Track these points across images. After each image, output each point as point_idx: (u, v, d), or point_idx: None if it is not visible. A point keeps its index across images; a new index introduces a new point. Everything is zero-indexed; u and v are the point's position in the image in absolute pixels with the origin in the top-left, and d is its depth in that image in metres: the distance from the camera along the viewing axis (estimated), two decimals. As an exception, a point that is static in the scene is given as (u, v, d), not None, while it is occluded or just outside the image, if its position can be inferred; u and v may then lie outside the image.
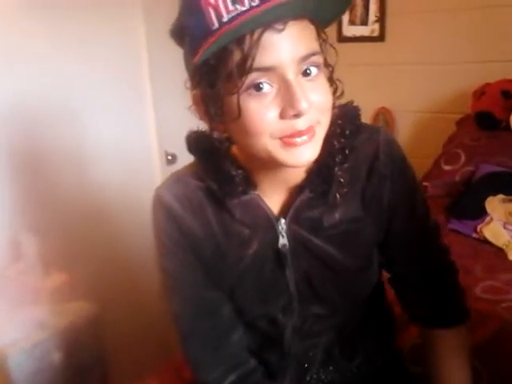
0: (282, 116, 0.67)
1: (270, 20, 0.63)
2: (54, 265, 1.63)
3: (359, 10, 2.55)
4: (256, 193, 0.81)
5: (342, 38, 2.61)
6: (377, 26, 2.52)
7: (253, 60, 0.64)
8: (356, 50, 2.55)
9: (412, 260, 0.90)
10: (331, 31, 2.58)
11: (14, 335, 1.49)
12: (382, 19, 2.51)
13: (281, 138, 0.69)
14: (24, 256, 1.59)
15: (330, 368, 0.95)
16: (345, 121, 0.81)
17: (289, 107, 0.66)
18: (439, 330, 0.93)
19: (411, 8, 2.42)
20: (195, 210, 0.83)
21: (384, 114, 2.58)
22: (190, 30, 0.68)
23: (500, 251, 1.66)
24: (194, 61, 0.67)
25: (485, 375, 1.19)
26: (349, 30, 2.60)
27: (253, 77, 0.65)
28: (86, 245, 1.75)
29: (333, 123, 0.76)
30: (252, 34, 0.63)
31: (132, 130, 2.04)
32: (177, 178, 0.87)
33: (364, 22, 2.56)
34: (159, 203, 0.84)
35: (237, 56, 0.64)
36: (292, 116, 0.67)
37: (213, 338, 0.89)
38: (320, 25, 0.72)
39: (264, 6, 0.61)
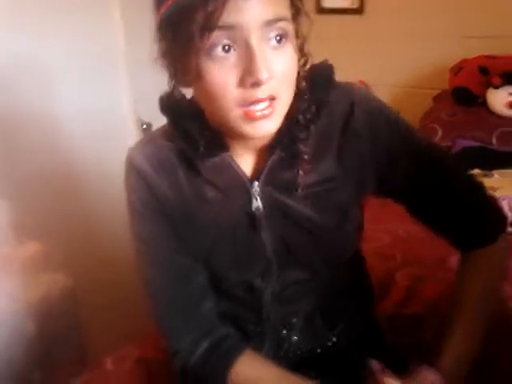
0: (241, 84, 0.65)
1: None
2: (26, 234, 1.59)
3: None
4: (227, 154, 0.79)
5: (321, 10, 2.58)
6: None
7: (216, 19, 0.61)
8: (335, 22, 2.53)
9: (432, 195, 0.84)
10: (310, 2, 2.55)
11: (-15, 306, 1.47)
12: (361, -8, 2.48)
13: (242, 107, 0.67)
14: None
15: (310, 336, 0.95)
16: (316, 77, 0.78)
17: (248, 75, 0.64)
18: (478, 250, 0.86)
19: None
20: (166, 172, 0.81)
21: (361, 88, 2.56)
22: None
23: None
24: (158, 15, 0.66)
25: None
26: (328, 2, 2.57)
27: (215, 36, 0.63)
28: (60, 214, 1.71)
29: (304, 79, 0.75)
30: None
31: (105, 98, 1.97)
32: (149, 140, 0.85)
33: (343, -4, 2.53)
34: (130, 165, 0.82)
35: (200, 14, 0.62)
36: (251, 84, 0.65)
37: (185, 306, 0.87)
38: None
39: None
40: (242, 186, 0.81)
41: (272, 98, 0.67)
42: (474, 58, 2.12)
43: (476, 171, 1.82)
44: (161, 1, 0.66)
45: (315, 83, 0.78)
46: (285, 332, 0.94)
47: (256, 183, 0.81)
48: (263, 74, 0.63)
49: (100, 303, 1.75)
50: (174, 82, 0.75)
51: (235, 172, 0.80)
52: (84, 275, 1.71)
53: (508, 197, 1.70)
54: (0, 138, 1.59)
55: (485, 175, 1.80)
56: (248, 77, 0.64)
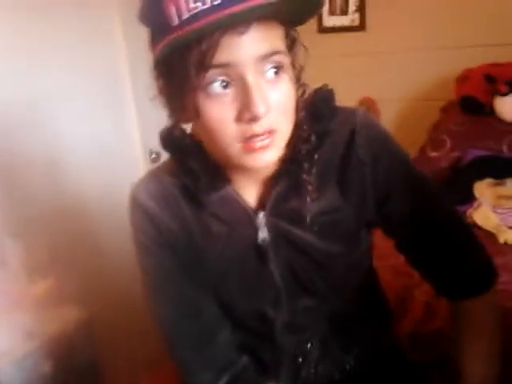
0: (239, 119, 0.65)
1: (231, 24, 0.61)
2: (38, 270, 1.60)
3: (339, 2, 2.54)
4: (231, 187, 0.79)
5: (323, 29, 2.59)
6: (357, 16, 2.52)
7: (211, 58, 0.62)
8: (337, 40, 2.54)
9: (422, 236, 0.83)
10: (311, 22, 2.56)
11: (2, 346, 1.46)
12: (361, 8, 2.50)
13: (242, 142, 0.67)
14: (7, 263, 1.55)
15: (327, 362, 0.93)
16: (318, 104, 0.78)
17: (245, 110, 0.64)
18: (467, 300, 0.85)
19: (390, -4, 2.41)
20: (171, 208, 0.81)
21: (367, 104, 2.56)
22: (149, 21, 0.67)
23: (490, 235, 1.65)
24: (153, 54, 0.66)
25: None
26: (329, 21, 2.58)
27: (211, 74, 0.63)
28: (71, 248, 1.72)
29: (305, 107, 0.75)
30: (212, 33, 0.61)
31: (114, 129, 2.00)
32: (151, 176, 0.85)
33: (344, 12, 2.54)
34: (135, 203, 0.82)
35: (195, 54, 0.62)
36: (248, 119, 0.65)
37: (198, 339, 0.86)
38: (290, 24, 0.70)
39: (228, 10, 0.59)
40: (246, 218, 0.81)
41: (270, 132, 0.67)
42: (479, 67, 2.11)
43: (488, 180, 1.80)
44: (154, 41, 0.66)
45: (317, 111, 0.78)
46: (300, 360, 0.92)
47: (261, 214, 0.80)
48: (260, 109, 0.63)
49: (116, 335, 1.74)
50: (173, 119, 0.75)
51: (239, 204, 0.80)
52: (98, 308, 1.71)
53: (523, 205, 1.68)
54: (8, 176, 1.61)
55: (497, 184, 1.78)
56: (245, 112, 0.64)
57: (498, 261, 1.46)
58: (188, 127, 0.80)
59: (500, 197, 1.73)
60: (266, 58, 0.65)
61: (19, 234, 1.56)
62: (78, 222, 1.81)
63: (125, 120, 2.04)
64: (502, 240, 1.61)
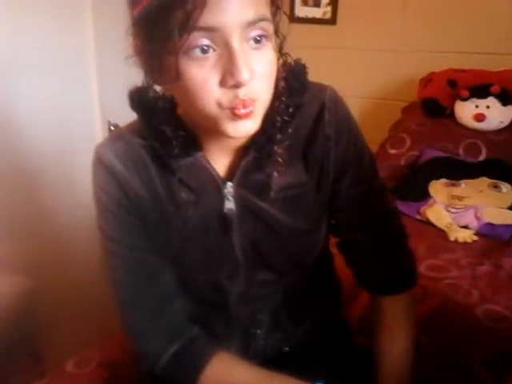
0: (222, 84, 0.64)
1: None
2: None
3: (312, -8, 2.55)
4: (201, 154, 0.78)
5: (294, 19, 2.59)
6: (329, 9, 2.53)
7: (196, 19, 0.59)
8: (307, 31, 2.54)
9: (359, 222, 0.88)
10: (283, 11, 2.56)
11: None
12: (334, 2, 2.51)
13: (225, 108, 0.65)
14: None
15: (277, 334, 0.94)
16: (291, 78, 0.77)
17: (229, 76, 0.62)
18: (386, 296, 0.92)
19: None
20: (138, 170, 0.78)
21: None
22: None
23: (442, 232, 1.71)
24: (134, 12, 0.63)
25: (427, 347, 1.22)
26: (301, 11, 2.59)
27: (194, 37, 0.61)
28: (20, 216, 1.65)
29: (278, 80, 0.73)
30: None
31: (73, 99, 1.93)
32: (119, 136, 0.81)
33: (317, 4, 2.55)
34: (99, 162, 0.79)
35: (179, 13, 0.59)
36: (232, 85, 0.63)
37: (153, 306, 0.85)
38: None
39: None
40: (214, 187, 0.80)
41: (252, 100, 0.66)
42: (442, 71, 2.17)
43: (444, 180, 1.86)
44: (133, 0, 0.63)
45: (291, 85, 0.77)
46: (252, 330, 0.93)
47: (229, 184, 0.79)
48: (244, 75, 0.62)
49: (62, 305, 1.70)
50: (149, 80, 0.72)
51: (209, 172, 0.79)
52: (44, 276, 1.66)
53: (474, 206, 1.74)
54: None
55: (453, 184, 1.84)
56: (229, 78, 0.63)
57: (448, 257, 1.54)
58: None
59: (453, 197, 1.79)
60: (252, 24, 0.63)
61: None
62: (29, 191, 1.74)
63: (85, 90, 1.98)
64: (452, 238, 1.66)
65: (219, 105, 0.65)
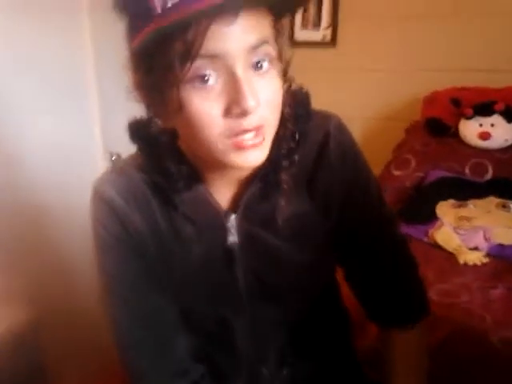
0: (227, 113, 0.61)
1: (220, 13, 0.57)
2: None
3: (311, 14, 2.55)
4: (203, 187, 0.75)
5: (294, 43, 2.59)
6: (329, 31, 2.53)
7: (198, 48, 0.57)
8: (307, 55, 2.53)
9: (367, 252, 0.85)
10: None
11: None
12: (334, 24, 2.52)
13: (231, 138, 0.63)
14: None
15: (284, 370, 0.90)
16: (295, 106, 0.76)
17: (234, 104, 0.60)
18: (396, 330, 0.89)
19: (363, 14, 2.44)
20: (139, 205, 0.76)
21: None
22: (128, 10, 0.62)
23: (451, 255, 1.66)
24: (132, 45, 0.61)
25: (439, 377, 1.17)
26: (301, 35, 2.59)
27: (197, 66, 0.59)
28: (22, 246, 1.63)
29: (284, 106, 0.71)
30: (198, 23, 0.57)
31: (74, 128, 1.93)
32: (118, 170, 0.79)
33: (316, 27, 2.55)
34: (99, 198, 0.76)
35: (179, 44, 0.57)
36: (238, 114, 0.61)
37: (155, 345, 0.81)
38: (279, 13, 0.67)
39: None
40: (217, 220, 0.77)
41: (259, 127, 0.64)
42: (446, 90, 2.15)
43: (451, 201, 1.82)
44: (134, 30, 0.61)
45: (295, 111, 0.75)
46: (259, 367, 0.89)
47: (233, 216, 0.77)
48: (250, 103, 0.59)
49: (65, 337, 1.67)
50: (151, 114, 0.70)
51: (211, 205, 0.77)
52: (48, 308, 1.63)
53: (483, 227, 1.70)
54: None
55: (460, 205, 1.80)
56: (234, 106, 0.60)
57: (458, 280, 1.49)
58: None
59: (461, 218, 1.74)
60: (255, 48, 0.61)
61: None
62: (33, 222, 1.73)
63: (86, 120, 1.98)
64: (461, 261, 1.61)
65: (224, 136, 0.62)
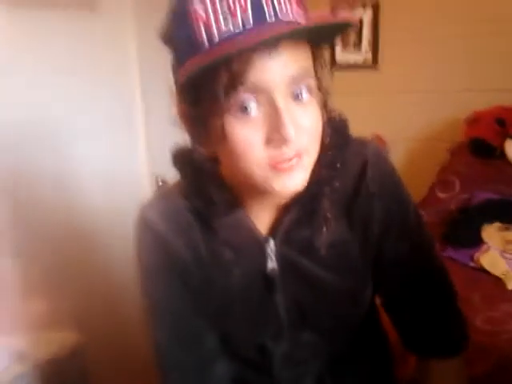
0: (268, 142, 0.63)
1: (261, 45, 0.59)
2: (35, 291, 1.57)
3: (352, 37, 2.56)
4: (243, 212, 0.77)
5: (336, 65, 2.61)
6: (370, 53, 2.53)
7: (241, 79, 0.60)
8: (349, 77, 2.55)
9: (405, 281, 0.84)
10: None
11: (-6, 367, 1.43)
12: (374, 47, 2.52)
13: (270, 165, 0.64)
14: (2, 282, 1.52)
15: None
16: (333, 133, 0.76)
17: (275, 133, 0.62)
18: (435, 360, 0.87)
19: (403, 36, 2.44)
20: (183, 232, 0.78)
21: (377, 142, 2.56)
22: (177, 42, 0.65)
23: (498, 280, 1.61)
24: (180, 78, 0.64)
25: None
26: (342, 57, 2.60)
27: (239, 97, 0.61)
28: (70, 272, 1.70)
29: (324, 135, 0.72)
30: (240, 55, 0.59)
31: (122, 154, 2.00)
32: (163, 197, 0.82)
33: (357, 49, 2.56)
34: (144, 224, 0.79)
35: (223, 76, 0.60)
36: (278, 143, 0.63)
37: (194, 370, 0.83)
38: (316, 45, 0.69)
39: (261, 35, 0.57)
40: (257, 246, 0.78)
41: (299, 155, 0.66)
42: (489, 110, 2.11)
43: (497, 224, 1.77)
44: (180, 64, 0.64)
45: (334, 140, 0.76)
46: None
47: (272, 242, 0.78)
48: (291, 132, 0.61)
49: (111, 360, 1.70)
50: (195, 143, 0.73)
51: (250, 231, 0.78)
52: (94, 333, 1.67)
53: (530, 251, 1.64)
54: (14, 197, 1.59)
55: (507, 228, 1.75)
56: (275, 135, 0.62)
57: (506, 308, 1.45)
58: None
59: (508, 242, 1.70)
60: (296, 79, 0.63)
61: (17, 254, 1.54)
62: (80, 247, 1.79)
63: (132, 145, 2.04)
64: (510, 286, 1.57)
65: (265, 164, 0.64)
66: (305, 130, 0.65)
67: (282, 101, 0.62)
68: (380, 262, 0.83)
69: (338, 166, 0.76)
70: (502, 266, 1.64)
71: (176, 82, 0.69)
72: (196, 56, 0.61)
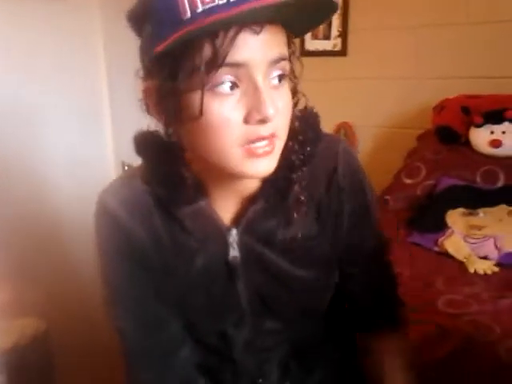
0: (247, 120, 0.63)
1: (248, 21, 0.60)
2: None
3: (322, 24, 2.56)
4: (207, 201, 0.77)
5: (305, 52, 2.61)
6: (339, 41, 2.54)
7: (225, 56, 0.60)
8: (318, 64, 2.55)
9: (360, 270, 0.89)
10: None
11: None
12: (344, 34, 2.53)
13: (243, 146, 0.65)
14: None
15: (286, 383, 0.91)
16: (305, 127, 0.78)
17: (255, 111, 0.63)
18: (380, 336, 0.93)
19: (373, 24, 2.45)
20: (143, 218, 0.77)
21: (345, 129, 2.58)
22: (157, 14, 0.63)
23: (461, 264, 1.65)
24: (157, 48, 0.62)
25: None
26: (312, 44, 2.60)
27: (220, 73, 0.61)
28: (33, 259, 1.67)
29: (292, 129, 0.73)
30: (226, 30, 0.60)
31: (90, 142, 1.97)
32: (123, 182, 0.81)
33: (327, 37, 2.57)
34: (103, 210, 0.78)
35: (207, 50, 0.60)
36: (257, 121, 0.63)
37: (159, 356, 0.83)
38: (294, 32, 0.70)
39: (245, 7, 0.57)
40: (219, 235, 0.78)
41: (273, 136, 0.66)
42: (455, 98, 2.14)
43: (461, 210, 1.81)
44: (160, 37, 0.62)
45: (303, 135, 0.77)
46: (260, 381, 0.90)
47: (234, 231, 0.78)
48: (270, 111, 0.62)
49: (75, 347, 1.69)
50: (163, 125, 0.71)
51: (213, 220, 0.78)
52: (57, 320, 1.65)
53: (494, 235, 1.69)
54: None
55: (471, 214, 1.79)
56: (255, 113, 0.63)
57: (468, 290, 1.48)
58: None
59: (472, 226, 1.74)
60: (275, 62, 0.64)
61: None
62: (44, 233, 1.76)
63: (99, 131, 2.01)
64: (471, 270, 1.61)
65: (238, 143, 0.65)
66: (279, 111, 0.65)
67: (262, 79, 0.63)
68: (341, 252, 0.86)
69: (305, 156, 0.77)
70: (465, 250, 1.68)
71: (147, 58, 0.67)
72: (177, 28, 0.60)
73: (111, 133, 2.04)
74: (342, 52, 2.55)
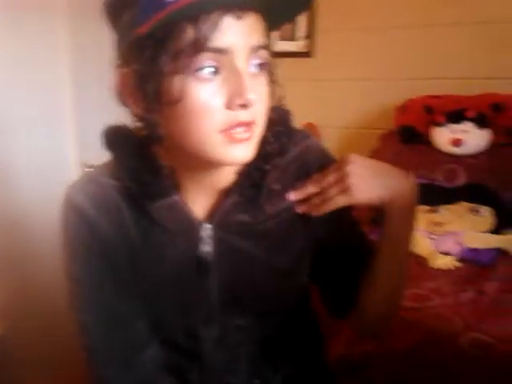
0: (228, 105, 0.64)
1: (230, 4, 0.61)
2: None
3: (288, 25, 2.57)
4: (179, 196, 0.76)
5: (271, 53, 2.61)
6: (305, 42, 2.55)
7: (207, 39, 0.60)
8: (284, 64, 2.55)
9: (336, 254, 0.87)
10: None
11: None
12: (310, 35, 2.54)
13: (223, 132, 0.65)
14: None
15: (256, 381, 0.90)
16: (279, 120, 0.79)
17: (236, 96, 0.63)
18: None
19: (339, 25, 2.47)
20: (111, 213, 0.76)
21: (310, 130, 2.59)
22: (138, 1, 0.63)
23: (423, 259, 1.68)
24: (140, 30, 0.61)
25: (410, 381, 1.18)
26: (277, 45, 2.61)
27: (202, 58, 0.62)
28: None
29: (267, 120, 0.73)
30: (209, 14, 0.60)
31: (54, 144, 1.92)
32: (90, 178, 0.79)
33: (293, 38, 2.58)
34: (70, 205, 0.76)
35: (189, 34, 0.60)
36: (238, 106, 0.64)
37: (123, 355, 0.81)
38: (272, 23, 0.71)
39: None
40: (191, 229, 0.78)
41: (253, 123, 0.67)
42: (418, 98, 2.18)
43: (423, 207, 1.84)
44: (139, 20, 0.61)
45: (276, 130, 0.78)
46: (228, 378, 0.88)
47: (207, 226, 0.78)
48: (251, 95, 0.63)
49: (32, 352, 1.65)
50: (144, 109, 0.68)
51: (184, 214, 0.77)
52: (15, 323, 1.61)
53: (454, 231, 1.72)
54: None
55: (432, 211, 1.82)
56: (236, 98, 0.63)
57: (430, 285, 1.51)
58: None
59: (434, 223, 1.77)
60: (256, 49, 0.65)
61: None
62: (4, 234, 1.71)
63: (66, 135, 1.97)
64: (433, 265, 1.64)
65: (218, 129, 0.65)
66: (258, 99, 0.66)
67: (243, 65, 0.64)
68: (317, 239, 0.85)
69: (282, 147, 0.79)
70: (427, 246, 1.71)
71: (125, 43, 0.66)
72: (160, 10, 0.59)
73: (75, 135, 2.00)
74: (308, 53, 2.57)
